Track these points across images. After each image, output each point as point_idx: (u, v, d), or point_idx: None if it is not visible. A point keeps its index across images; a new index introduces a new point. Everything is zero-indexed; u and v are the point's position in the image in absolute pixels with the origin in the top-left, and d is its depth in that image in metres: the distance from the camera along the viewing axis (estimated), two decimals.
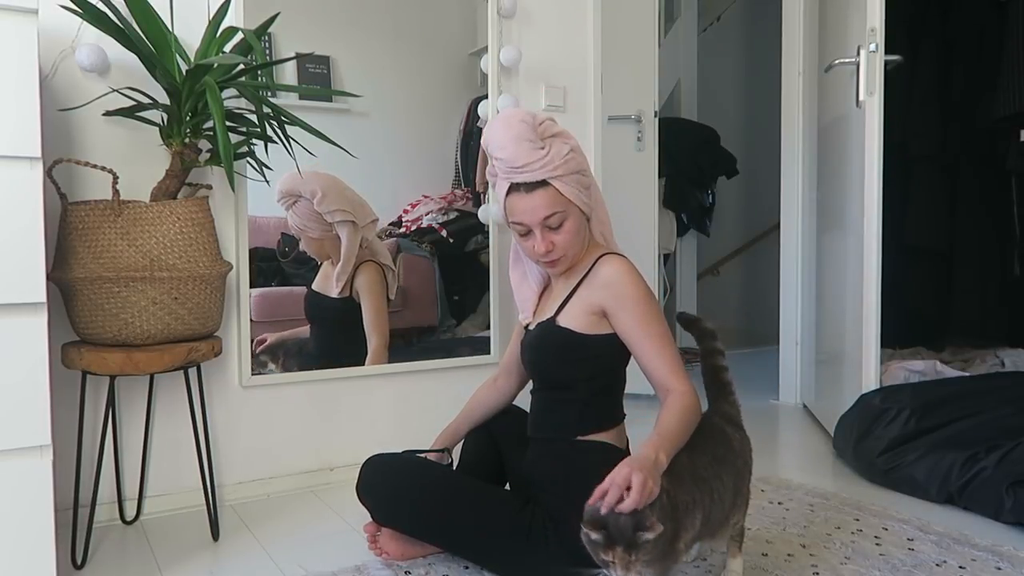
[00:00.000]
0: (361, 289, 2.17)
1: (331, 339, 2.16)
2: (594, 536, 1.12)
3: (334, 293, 2.14)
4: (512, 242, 1.67)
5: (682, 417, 1.34)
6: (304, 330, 2.11)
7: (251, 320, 2.01)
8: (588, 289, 1.49)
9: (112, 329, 1.56)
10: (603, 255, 1.51)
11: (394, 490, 1.54)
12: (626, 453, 1.53)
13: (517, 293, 1.68)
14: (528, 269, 1.65)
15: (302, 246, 2.10)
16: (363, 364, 2.20)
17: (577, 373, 1.49)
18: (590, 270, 1.50)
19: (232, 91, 1.77)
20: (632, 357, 1.49)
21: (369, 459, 1.62)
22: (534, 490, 1.51)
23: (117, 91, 1.73)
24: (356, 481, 1.61)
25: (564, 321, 1.50)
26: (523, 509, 1.46)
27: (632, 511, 1.11)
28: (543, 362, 1.55)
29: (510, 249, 1.69)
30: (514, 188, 1.46)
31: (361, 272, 2.17)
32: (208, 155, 1.75)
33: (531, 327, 1.61)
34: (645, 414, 1.65)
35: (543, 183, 1.44)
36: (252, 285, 2.01)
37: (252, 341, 2.02)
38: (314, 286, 2.14)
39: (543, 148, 1.44)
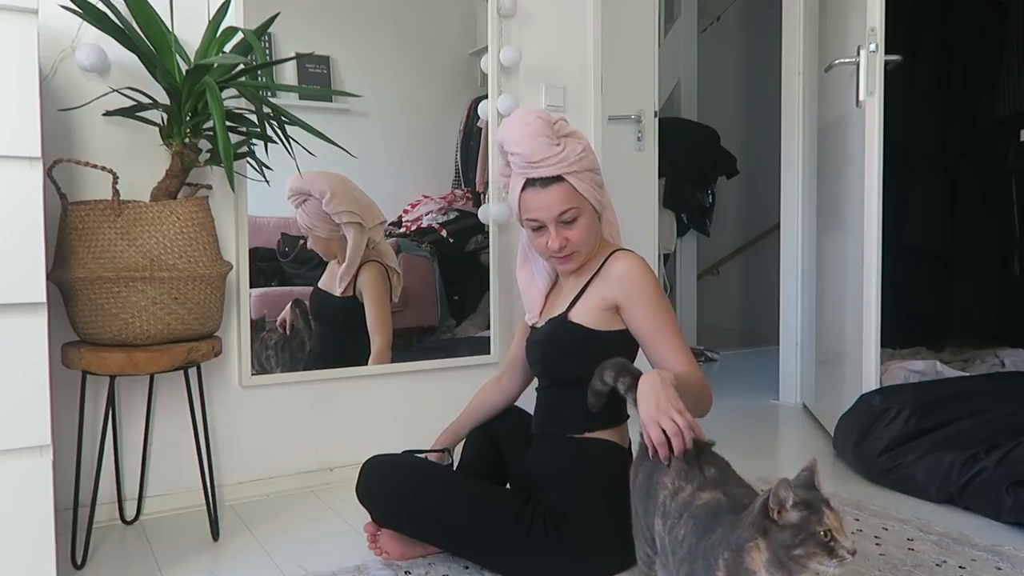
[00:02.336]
0: (364, 289, 2.17)
1: (334, 339, 2.16)
2: (797, 516, 0.94)
3: (337, 292, 2.14)
4: (520, 244, 1.67)
5: (690, 379, 1.39)
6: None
7: (251, 320, 2.01)
8: (601, 285, 1.50)
9: (112, 329, 1.56)
10: (615, 251, 1.53)
11: (394, 491, 1.54)
12: (629, 452, 1.53)
13: (525, 294, 1.68)
14: (536, 269, 1.66)
15: (310, 244, 2.11)
16: (366, 364, 2.19)
17: (586, 369, 1.49)
18: (602, 266, 1.52)
19: (232, 91, 1.77)
20: (643, 353, 1.50)
21: (368, 460, 1.62)
22: (536, 488, 1.51)
23: (117, 91, 1.73)
24: (356, 482, 1.61)
25: (576, 317, 1.51)
26: (523, 508, 1.46)
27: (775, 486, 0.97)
28: (552, 358, 1.55)
29: (518, 251, 1.70)
30: (530, 183, 1.48)
31: (364, 272, 2.17)
32: (208, 155, 1.75)
33: (538, 325, 1.61)
34: None
35: (559, 178, 1.46)
36: (252, 285, 2.01)
37: (269, 335, 2.02)
38: (320, 284, 2.14)
39: (559, 145, 1.47)
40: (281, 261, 2.08)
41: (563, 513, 1.44)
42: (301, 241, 2.10)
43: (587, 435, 1.49)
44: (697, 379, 1.42)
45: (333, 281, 2.14)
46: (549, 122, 1.49)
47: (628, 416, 1.55)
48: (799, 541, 0.93)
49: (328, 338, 2.14)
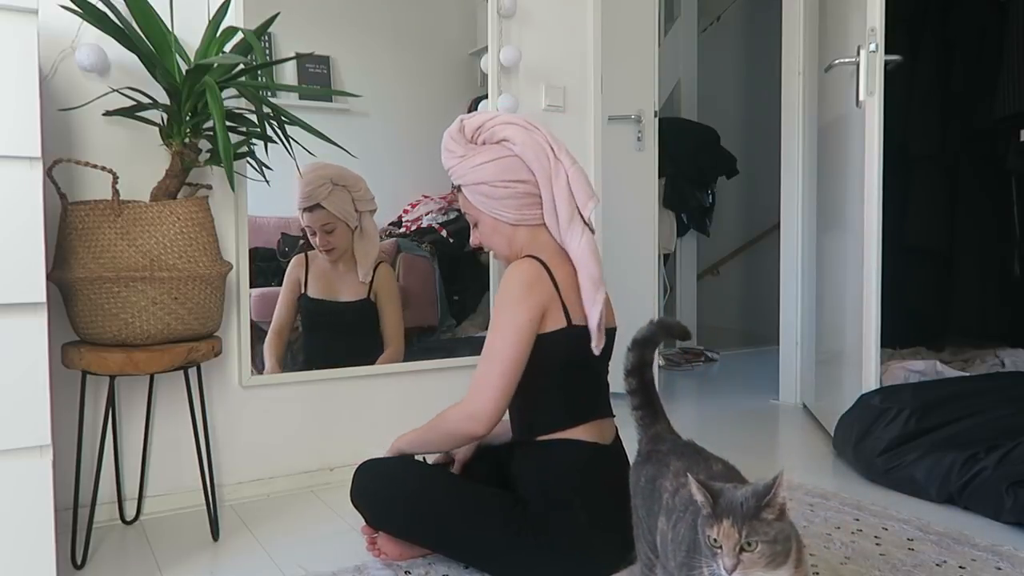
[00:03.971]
0: (381, 291, 2.16)
1: (343, 344, 2.14)
2: (700, 499, 0.97)
3: (346, 296, 2.12)
4: None
5: (436, 426, 1.55)
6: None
7: (251, 320, 2.01)
8: None
9: (112, 329, 1.56)
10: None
11: (388, 496, 1.54)
12: (602, 447, 1.51)
13: None
14: None
15: (326, 241, 2.08)
16: (367, 364, 2.19)
17: (523, 376, 1.49)
18: None
19: (232, 91, 1.77)
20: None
21: (361, 465, 1.61)
22: (519, 491, 1.51)
23: (117, 91, 1.73)
24: (350, 486, 1.60)
25: None
26: (513, 509, 1.46)
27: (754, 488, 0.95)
28: None
29: None
30: None
31: (380, 274, 2.16)
32: (208, 155, 1.75)
33: None
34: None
35: (459, 187, 1.61)
36: (252, 285, 2.01)
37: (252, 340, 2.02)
38: (311, 294, 2.11)
39: (461, 156, 1.57)
40: (281, 261, 2.08)
41: (543, 514, 1.44)
42: (301, 241, 2.10)
43: (554, 436, 1.48)
44: (450, 420, 1.52)
45: (332, 287, 2.13)
46: (462, 134, 1.59)
47: (600, 412, 1.53)
48: (698, 537, 0.98)
49: (325, 345, 2.13)
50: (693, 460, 1.16)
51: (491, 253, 1.65)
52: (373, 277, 2.15)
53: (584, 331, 1.49)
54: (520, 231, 1.57)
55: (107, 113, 1.75)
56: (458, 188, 1.61)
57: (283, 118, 1.72)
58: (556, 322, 1.47)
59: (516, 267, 1.49)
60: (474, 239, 1.65)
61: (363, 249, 2.14)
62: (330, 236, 2.08)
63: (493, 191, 1.54)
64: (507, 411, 1.58)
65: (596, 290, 1.48)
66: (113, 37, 1.59)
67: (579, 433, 1.49)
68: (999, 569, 1.54)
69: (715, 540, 0.94)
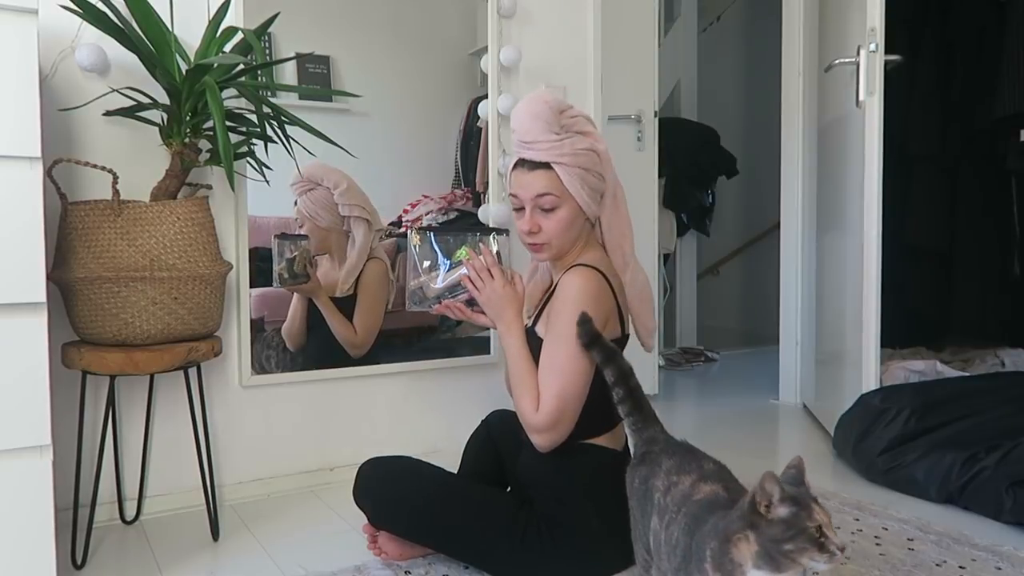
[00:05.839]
0: (364, 283, 2.16)
1: (329, 341, 2.14)
2: (787, 512, 0.94)
3: (337, 292, 2.13)
4: None
5: (514, 393, 1.44)
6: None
7: (251, 320, 2.01)
8: (554, 296, 1.48)
9: (112, 329, 1.56)
10: (576, 265, 1.48)
11: (391, 495, 1.53)
12: (619, 454, 1.52)
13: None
14: (540, 264, 1.65)
15: (303, 230, 2.10)
16: (366, 363, 2.19)
17: None
18: (563, 277, 1.48)
19: (232, 91, 1.77)
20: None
21: (365, 463, 1.62)
22: (528, 493, 1.51)
23: (117, 91, 1.73)
24: (353, 485, 1.60)
25: (539, 329, 1.50)
26: (518, 512, 1.46)
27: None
28: None
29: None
30: (520, 163, 1.49)
31: (366, 269, 2.16)
32: (208, 155, 1.75)
33: (527, 324, 1.60)
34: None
35: (546, 165, 1.45)
36: (252, 285, 2.01)
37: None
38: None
39: (558, 135, 1.45)
40: None
41: (554, 518, 1.43)
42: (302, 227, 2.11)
43: (578, 441, 1.47)
44: (521, 412, 1.43)
45: (327, 283, 2.14)
46: (556, 110, 1.46)
47: (620, 419, 1.53)
48: (789, 536, 0.92)
49: (322, 342, 2.13)
50: (684, 458, 1.16)
51: (520, 245, 1.57)
52: (360, 275, 2.16)
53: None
54: (585, 230, 1.54)
55: (107, 113, 1.75)
56: (536, 165, 1.46)
57: (283, 118, 1.72)
58: (613, 331, 1.46)
59: (581, 278, 1.43)
60: (532, 224, 1.47)
61: (350, 258, 2.15)
62: (306, 229, 2.12)
63: (592, 181, 1.48)
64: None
65: (652, 320, 1.63)
66: (113, 37, 1.59)
67: (601, 440, 1.49)
68: (999, 569, 1.54)
69: (819, 527, 0.92)
